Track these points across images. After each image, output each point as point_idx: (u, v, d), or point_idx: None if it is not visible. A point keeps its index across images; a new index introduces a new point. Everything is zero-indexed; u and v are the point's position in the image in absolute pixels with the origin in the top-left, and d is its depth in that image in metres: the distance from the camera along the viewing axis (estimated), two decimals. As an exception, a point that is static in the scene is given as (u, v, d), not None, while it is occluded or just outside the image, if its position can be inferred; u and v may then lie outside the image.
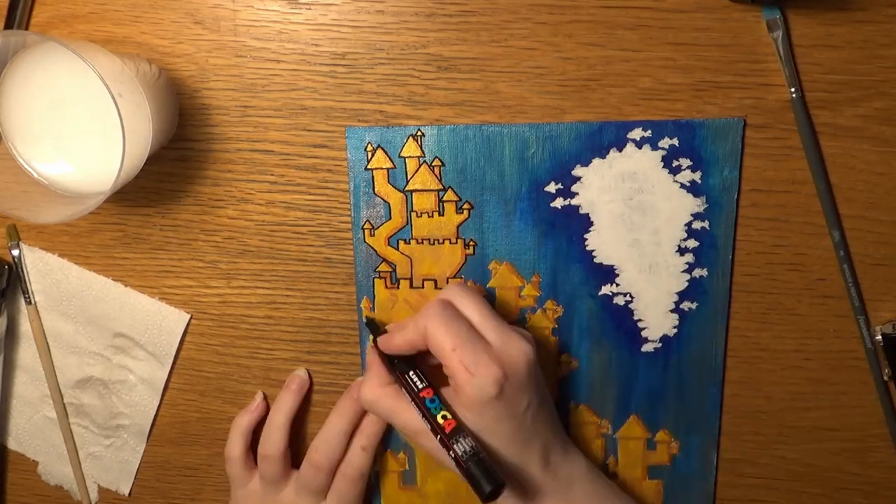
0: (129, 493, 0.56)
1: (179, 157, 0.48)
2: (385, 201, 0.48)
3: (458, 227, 0.48)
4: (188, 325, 0.52)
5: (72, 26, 0.46)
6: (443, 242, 0.49)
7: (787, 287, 0.49)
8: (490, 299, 0.49)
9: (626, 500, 0.49)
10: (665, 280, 0.48)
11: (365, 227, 0.49)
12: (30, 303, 0.52)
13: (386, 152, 0.47)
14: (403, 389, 0.45)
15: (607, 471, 0.52)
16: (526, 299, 0.49)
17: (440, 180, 0.47)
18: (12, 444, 0.56)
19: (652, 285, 0.49)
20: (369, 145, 0.47)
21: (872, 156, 0.46)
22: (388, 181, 0.48)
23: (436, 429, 0.43)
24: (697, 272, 0.48)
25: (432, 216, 0.48)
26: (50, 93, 0.42)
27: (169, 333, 0.52)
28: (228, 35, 0.46)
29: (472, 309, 0.45)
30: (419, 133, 0.47)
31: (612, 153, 0.46)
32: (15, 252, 0.51)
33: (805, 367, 0.51)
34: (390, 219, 0.48)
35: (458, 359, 0.43)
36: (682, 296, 0.49)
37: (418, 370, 0.45)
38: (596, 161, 0.47)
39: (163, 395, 0.53)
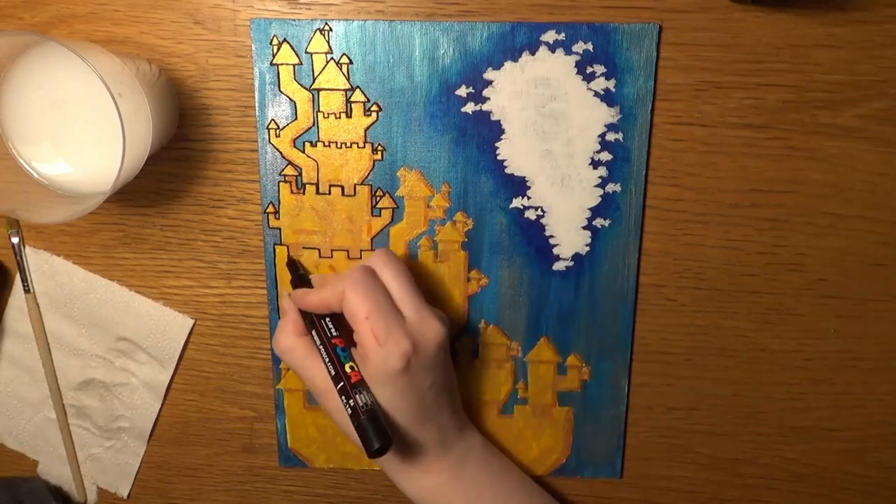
0: (129, 495, 0.56)
1: (179, 157, 0.48)
2: (291, 100, 0.47)
3: (366, 131, 0.47)
4: (192, 330, 0.52)
5: (72, 26, 0.46)
6: (350, 146, 0.48)
7: (787, 287, 0.49)
8: (399, 209, 0.49)
9: (519, 476, 0.50)
10: (577, 194, 0.48)
11: (270, 127, 0.47)
12: (28, 291, 0.52)
13: (292, 47, 0.46)
14: (315, 335, 0.45)
15: (517, 397, 0.52)
16: (435, 210, 0.49)
17: (348, 79, 0.46)
18: (12, 443, 0.56)
19: (564, 199, 0.48)
20: (274, 38, 0.46)
21: (872, 156, 0.46)
22: (295, 78, 0.47)
23: (340, 375, 0.43)
24: (610, 187, 0.48)
25: (339, 117, 0.47)
26: (50, 93, 0.42)
27: (172, 338, 0.52)
28: (228, 35, 0.46)
29: (394, 280, 0.44)
30: (326, 27, 0.45)
31: (525, 56, 0.45)
32: (15, 240, 0.51)
33: (805, 367, 0.51)
34: (296, 119, 0.47)
35: (369, 327, 0.42)
36: (595, 212, 0.48)
37: (333, 321, 0.45)
38: (508, 64, 0.46)
39: (164, 398, 0.53)
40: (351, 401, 0.42)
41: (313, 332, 0.45)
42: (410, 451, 0.45)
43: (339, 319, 0.45)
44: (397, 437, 0.44)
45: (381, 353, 0.42)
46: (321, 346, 0.44)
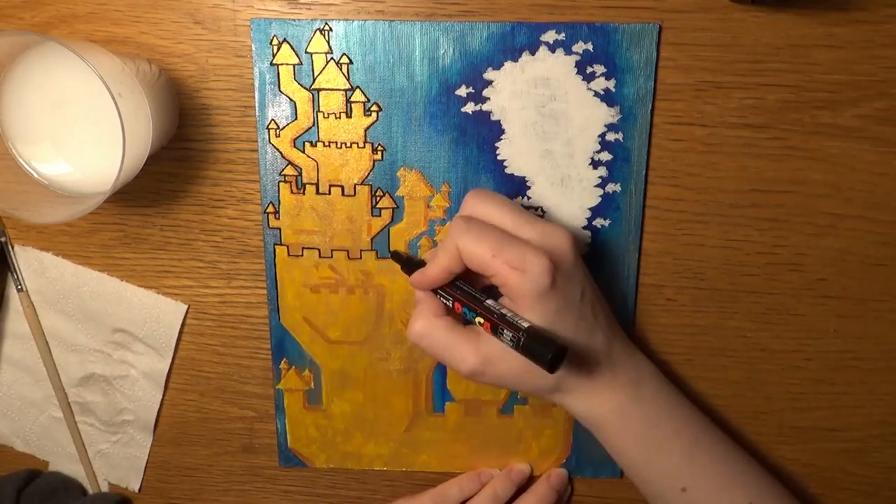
0: (140, 489, 0.56)
1: (179, 157, 0.48)
2: (291, 100, 0.47)
3: (366, 131, 0.47)
4: (186, 315, 0.52)
5: (72, 26, 0.46)
6: (350, 146, 0.48)
7: (787, 287, 0.49)
8: (399, 209, 0.49)
9: (691, 407, 0.48)
10: (578, 194, 0.48)
11: (270, 127, 0.47)
12: (21, 289, 0.52)
13: (292, 47, 0.46)
14: (462, 303, 0.43)
15: (517, 397, 0.52)
16: (435, 210, 0.49)
17: (348, 79, 0.46)
18: (21, 446, 0.56)
19: (564, 199, 0.48)
20: (274, 38, 0.46)
21: (872, 156, 0.46)
22: (295, 78, 0.47)
23: (491, 318, 0.41)
24: (611, 187, 0.47)
25: (339, 117, 0.47)
26: (50, 93, 0.42)
27: (167, 325, 0.52)
28: (228, 35, 0.46)
29: (500, 213, 0.43)
30: (326, 27, 0.45)
31: (525, 56, 0.45)
32: (1, 239, 0.51)
33: (805, 367, 0.51)
34: (296, 119, 0.47)
35: (502, 261, 0.41)
36: (595, 212, 0.48)
37: (469, 287, 0.43)
38: (508, 64, 0.46)
39: (165, 388, 0.53)
40: (508, 330, 0.40)
41: (460, 299, 0.43)
42: (582, 365, 0.44)
43: (472, 282, 0.44)
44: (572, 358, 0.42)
45: (525, 278, 0.40)
46: (473, 309, 0.42)
